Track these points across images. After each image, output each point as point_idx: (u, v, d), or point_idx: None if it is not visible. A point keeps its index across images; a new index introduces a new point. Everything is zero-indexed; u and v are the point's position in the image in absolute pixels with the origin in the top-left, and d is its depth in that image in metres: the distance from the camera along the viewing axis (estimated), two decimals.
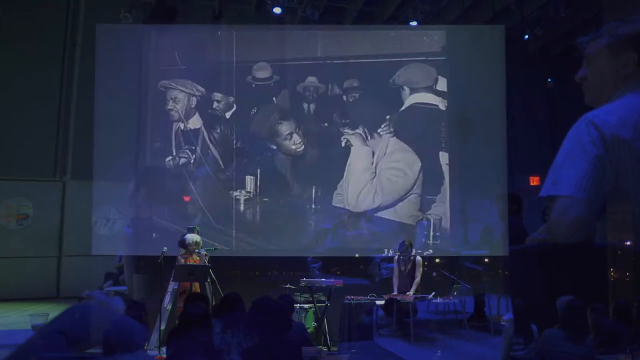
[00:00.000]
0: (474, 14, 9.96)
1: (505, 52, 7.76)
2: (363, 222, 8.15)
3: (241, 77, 8.35)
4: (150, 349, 5.12)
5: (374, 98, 8.41)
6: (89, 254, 8.22)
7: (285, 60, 8.38)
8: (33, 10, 9.87)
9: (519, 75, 10.76)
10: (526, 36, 9.91)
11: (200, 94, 8.35)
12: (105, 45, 7.85)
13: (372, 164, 8.21)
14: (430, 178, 8.25)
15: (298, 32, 8.91)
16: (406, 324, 6.29)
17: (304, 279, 6.17)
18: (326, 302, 5.98)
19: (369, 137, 8.27)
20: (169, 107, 8.35)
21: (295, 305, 5.24)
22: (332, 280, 6.27)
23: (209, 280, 5.75)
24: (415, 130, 8.41)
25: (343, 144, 8.27)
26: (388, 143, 8.26)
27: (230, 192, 8.15)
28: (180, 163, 8.24)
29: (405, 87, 8.39)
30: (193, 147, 8.26)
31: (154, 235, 7.86)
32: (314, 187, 8.16)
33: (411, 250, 6.77)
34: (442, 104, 8.35)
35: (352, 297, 6.23)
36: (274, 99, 8.38)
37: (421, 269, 6.73)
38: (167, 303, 5.66)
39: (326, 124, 8.33)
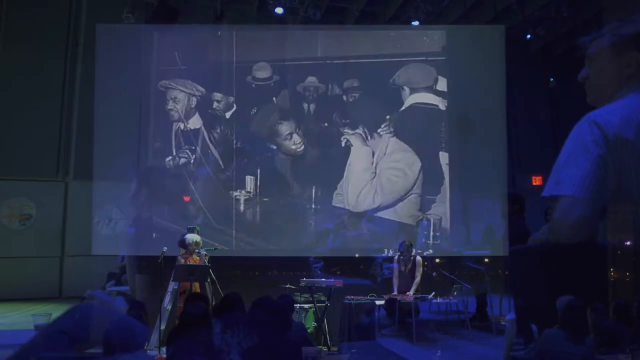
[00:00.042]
0: (476, 13, 9.96)
1: (507, 52, 7.76)
2: (363, 222, 8.14)
3: (241, 77, 8.35)
4: (150, 349, 5.11)
5: (374, 98, 8.40)
6: (91, 254, 8.24)
7: (285, 60, 8.37)
8: (35, 10, 9.89)
9: (521, 75, 10.75)
10: (528, 36, 9.90)
11: (200, 93, 8.35)
12: (105, 45, 7.86)
13: (372, 164, 8.21)
14: (430, 178, 8.24)
15: (298, 32, 8.89)
16: (408, 324, 6.29)
17: (304, 279, 6.17)
18: (326, 302, 5.98)
19: (369, 137, 8.26)
20: (169, 107, 8.35)
21: (295, 305, 5.22)
22: (332, 280, 6.27)
23: (209, 280, 5.75)
24: (415, 130, 8.40)
25: (343, 144, 8.27)
26: (388, 143, 8.25)
27: (230, 192, 8.15)
28: (180, 163, 8.24)
29: (405, 87, 8.39)
30: (193, 147, 8.26)
31: (154, 235, 7.87)
32: (314, 187, 8.16)
33: (411, 250, 6.77)
34: (442, 104, 8.33)
35: (352, 297, 6.22)
36: (274, 99, 8.38)
37: (421, 269, 6.74)
38: (167, 303, 5.65)
39: (326, 124, 8.33)
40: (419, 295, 6.48)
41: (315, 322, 5.92)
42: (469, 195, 8.43)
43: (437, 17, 9.49)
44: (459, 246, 8.41)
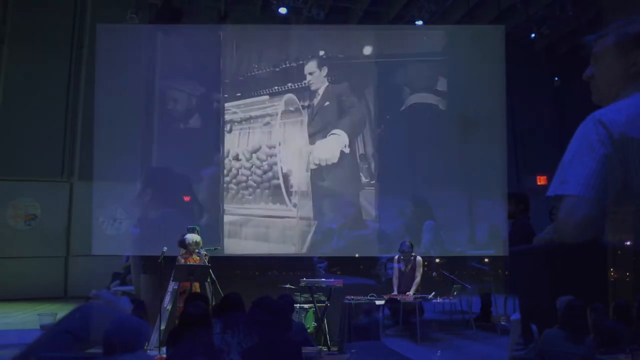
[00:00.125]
0: (479, 13, 9.94)
1: (512, 51, 7.74)
2: (368, 222, 8.13)
3: (242, 77, 8.35)
4: (150, 349, 5.11)
5: (375, 98, 8.39)
6: (95, 254, 8.28)
7: (287, 60, 8.36)
8: (40, 12, 9.95)
9: (526, 74, 10.72)
10: (532, 35, 9.87)
11: (200, 93, 8.35)
12: (105, 46, 7.89)
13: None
14: (432, 178, 8.22)
15: (298, 32, 8.85)
16: (412, 324, 6.28)
17: (304, 279, 6.17)
18: (326, 302, 5.99)
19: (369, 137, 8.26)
20: (171, 107, 8.37)
21: (295, 305, 5.24)
22: (332, 280, 6.28)
23: (209, 280, 5.76)
24: (416, 130, 8.39)
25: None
26: (389, 143, 8.24)
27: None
28: (184, 163, 8.27)
29: (405, 87, 8.38)
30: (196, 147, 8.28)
31: (159, 235, 7.88)
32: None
33: (412, 251, 6.77)
34: (442, 104, 8.32)
35: (352, 297, 6.22)
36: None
37: (421, 269, 6.74)
38: (167, 303, 5.66)
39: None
40: (419, 295, 6.47)
41: (315, 322, 5.92)
42: (473, 195, 8.42)
43: (440, 16, 9.48)
44: (465, 246, 8.40)
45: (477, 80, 8.03)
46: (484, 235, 8.35)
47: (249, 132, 8.25)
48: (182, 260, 5.83)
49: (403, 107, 8.33)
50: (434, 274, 7.82)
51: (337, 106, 8.24)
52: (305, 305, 6.02)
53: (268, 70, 8.26)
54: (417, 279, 6.67)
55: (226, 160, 8.20)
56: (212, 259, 6.13)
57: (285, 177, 8.10)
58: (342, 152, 8.14)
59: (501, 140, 7.79)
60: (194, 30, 8.46)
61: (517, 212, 5.61)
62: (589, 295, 3.67)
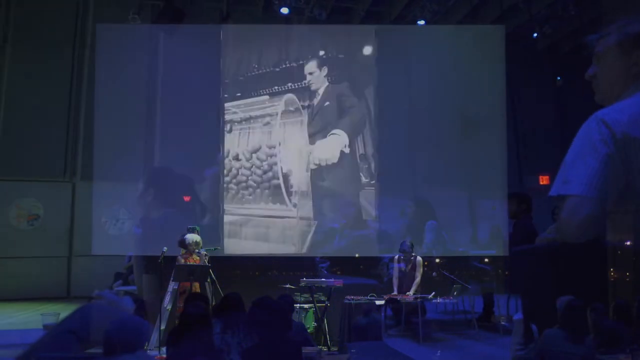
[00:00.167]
0: (482, 12, 9.93)
1: (514, 51, 7.75)
2: (369, 222, 8.13)
3: (242, 77, 8.35)
4: (150, 349, 5.10)
5: (375, 98, 8.38)
6: (97, 254, 8.30)
7: (287, 60, 8.36)
8: (42, 12, 9.97)
9: (528, 74, 10.70)
10: (535, 34, 9.85)
11: (200, 93, 8.34)
12: (106, 46, 7.91)
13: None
14: (433, 178, 8.22)
15: (298, 32, 8.84)
16: (414, 324, 6.28)
17: (304, 279, 6.17)
18: (326, 302, 5.99)
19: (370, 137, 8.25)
20: (172, 107, 8.38)
21: (295, 305, 5.24)
22: (332, 280, 6.28)
23: (209, 280, 5.76)
24: (416, 130, 8.38)
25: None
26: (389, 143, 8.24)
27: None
28: (185, 163, 8.27)
29: (405, 87, 8.40)
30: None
31: (161, 235, 7.89)
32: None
33: (412, 251, 6.77)
34: (442, 104, 8.32)
35: (352, 297, 6.21)
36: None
37: (421, 269, 6.74)
38: (167, 303, 5.66)
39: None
40: (419, 295, 6.47)
41: (315, 322, 5.92)
42: (474, 195, 8.41)
43: (442, 16, 9.47)
44: (467, 246, 8.40)
45: (477, 80, 8.03)
46: (485, 235, 8.35)
47: (249, 132, 8.25)
48: (182, 260, 5.83)
49: (404, 107, 8.30)
50: (434, 274, 7.81)
51: (337, 106, 8.24)
52: (305, 305, 6.02)
53: (268, 70, 8.26)
54: (417, 279, 6.67)
55: (226, 160, 8.20)
56: (212, 259, 6.13)
57: (285, 177, 8.10)
58: (342, 152, 8.13)
59: (501, 140, 7.79)
60: (195, 31, 8.46)
61: (519, 212, 5.61)
62: (592, 295, 3.67)
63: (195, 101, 8.11)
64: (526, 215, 5.59)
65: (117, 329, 2.40)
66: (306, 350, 3.32)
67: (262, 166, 8.15)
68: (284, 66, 8.28)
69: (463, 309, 6.98)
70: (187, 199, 8.16)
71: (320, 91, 8.23)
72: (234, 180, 8.17)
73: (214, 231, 7.93)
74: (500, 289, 7.30)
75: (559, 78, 10.86)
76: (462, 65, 8.21)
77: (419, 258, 6.79)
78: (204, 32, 8.46)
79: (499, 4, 9.46)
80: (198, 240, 5.99)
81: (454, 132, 8.19)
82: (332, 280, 6.27)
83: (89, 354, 2.79)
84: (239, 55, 8.39)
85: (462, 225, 8.51)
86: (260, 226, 8.08)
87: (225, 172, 8.19)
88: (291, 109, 8.24)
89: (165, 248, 5.79)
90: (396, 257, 6.88)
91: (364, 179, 8.11)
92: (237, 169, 8.18)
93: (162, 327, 5.33)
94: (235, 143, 8.26)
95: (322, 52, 8.31)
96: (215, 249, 6.54)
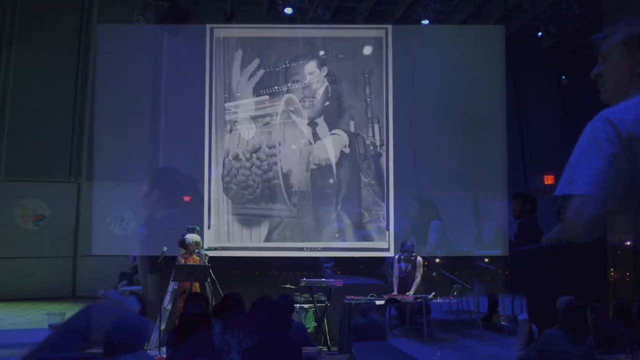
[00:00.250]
0: (486, 12, 9.91)
1: (519, 50, 7.73)
2: (372, 223, 8.12)
3: (243, 77, 8.35)
4: (150, 349, 5.12)
5: (375, 98, 8.37)
6: (98, 254, 8.33)
7: (287, 60, 8.35)
8: (47, 13, 10.02)
9: (533, 73, 10.67)
10: (539, 34, 9.82)
11: (201, 93, 8.35)
12: (106, 46, 7.93)
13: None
14: (439, 178, 8.20)
15: (298, 32, 8.81)
16: (419, 324, 6.27)
17: (304, 279, 6.17)
18: (326, 302, 5.98)
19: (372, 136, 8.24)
20: (173, 107, 8.39)
21: (295, 305, 5.25)
22: (332, 280, 6.28)
23: (209, 280, 5.77)
24: (421, 129, 8.37)
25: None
26: (392, 142, 8.23)
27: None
28: (186, 163, 8.29)
29: (409, 87, 8.38)
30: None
31: (166, 235, 7.91)
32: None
33: (413, 251, 6.76)
34: (446, 104, 8.29)
35: (352, 297, 6.20)
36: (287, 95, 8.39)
37: (421, 270, 6.73)
38: (167, 303, 5.68)
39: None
40: (419, 296, 6.46)
41: (315, 322, 5.92)
42: (479, 195, 8.39)
43: (446, 15, 9.45)
44: (470, 246, 8.38)
45: (480, 80, 8.02)
46: (490, 235, 8.33)
47: (249, 132, 8.26)
48: (182, 260, 5.84)
49: (405, 106, 8.29)
50: (434, 274, 7.81)
51: (337, 106, 8.24)
52: (305, 305, 6.03)
53: (268, 70, 8.27)
54: (417, 279, 6.67)
55: (226, 160, 8.21)
56: (212, 259, 6.14)
57: (285, 177, 8.09)
58: (342, 152, 8.13)
59: (501, 140, 7.78)
60: (195, 31, 8.48)
61: (524, 211, 5.59)
62: (598, 294, 3.65)
63: (196, 101, 8.13)
64: (531, 215, 5.58)
65: (117, 329, 2.40)
66: (306, 350, 3.32)
67: (262, 166, 8.15)
68: (284, 66, 8.28)
69: (468, 308, 6.97)
70: (187, 199, 8.18)
71: (320, 91, 8.23)
72: (234, 180, 8.17)
73: (214, 231, 7.95)
74: (504, 289, 7.29)
75: (563, 77, 10.82)
76: (465, 65, 8.20)
77: (419, 258, 6.79)
78: (204, 32, 8.46)
79: (503, 3, 9.43)
80: (198, 240, 6.01)
81: (458, 132, 8.18)
82: (332, 280, 6.27)
83: (89, 354, 2.79)
84: (239, 55, 8.38)
85: (466, 225, 8.50)
86: (260, 226, 8.09)
87: (225, 172, 8.20)
88: (291, 109, 8.24)
89: (165, 248, 5.81)
90: (396, 257, 6.88)
91: (364, 179, 8.11)
92: (237, 169, 8.17)
93: (162, 327, 5.35)
94: (235, 143, 8.26)
95: (322, 52, 8.30)
96: (215, 249, 6.55)
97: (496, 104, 7.81)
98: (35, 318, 7.36)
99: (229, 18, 8.95)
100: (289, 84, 8.25)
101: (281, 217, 8.02)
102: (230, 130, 8.28)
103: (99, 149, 8.22)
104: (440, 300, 6.52)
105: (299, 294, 6.21)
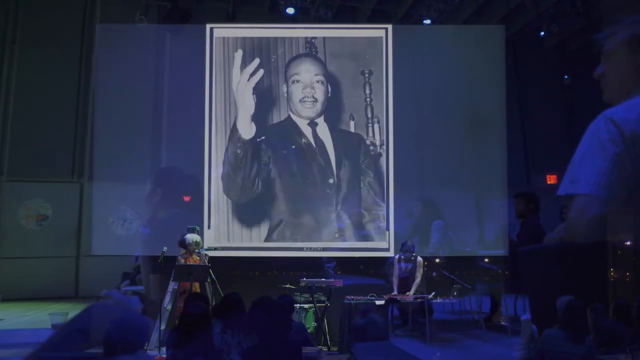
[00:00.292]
0: (488, 11, 9.89)
1: (521, 50, 7.72)
2: (374, 223, 8.12)
3: (243, 77, 8.35)
4: (150, 349, 5.12)
5: (375, 98, 8.36)
6: (100, 254, 8.34)
7: (287, 59, 8.34)
8: (50, 14, 10.04)
9: (535, 72, 10.65)
10: (542, 33, 9.79)
11: (201, 94, 8.36)
12: (106, 46, 7.93)
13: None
14: (442, 178, 8.19)
15: (299, 31, 8.80)
16: (421, 324, 6.26)
17: (304, 279, 6.17)
18: (326, 302, 5.98)
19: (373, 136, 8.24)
20: (174, 107, 8.40)
21: (295, 305, 5.24)
22: (332, 280, 6.27)
23: (209, 280, 5.77)
24: (424, 129, 8.36)
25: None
26: (392, 142, 8.23)
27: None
28: (187, 163, 8.30)
29: (411, 87, 8.38)
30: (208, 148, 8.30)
31: (169, 235, 7.92)
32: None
33: (414, 251, 6.76)
34: (449, 104, 8.28)
35: (352, 297, 6.20)
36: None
37: (422, 270, 6.73)
38: (167, 303, 5.68)
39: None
40: (419, 296, 6.45)
41: (315, 322, 5.91)
42: (481, 195, 8.38)
43: (449, 15, 9.44)
44: (473, 246, 8.37)
45: (481, 80, 8.01)
46: (493, 235, 8.32)
47: (249, 132, 8.26)
48: (182, 260, 5.84)
49: (407, 106, 8.27)
50: (434, 274, 7.80)
51: (337, 106, 8.24)
52: (305, 305, 6.02)
53: (268, 69, 8.27)
54: (417, 279, 6.67)
55: (226, 160, 8.22)
56: (212, 259, 6.15)
57: (285, 177, 8.10)
58: (342, 152, 8.13)
59: (502, 140, 7.78)
60: (196, 31, 8.49)
61: (526, 211, 5.57)
62: (599, 294, 3.64)
63: (197, 101, 8.14)
64: (534, 215, 5.56)
65: (117, 329, 2.40)
66: (306, 350, 3.32)
67: (262, 166, 8.17)
68: (284, 66, 8.29)
69: (470, 309, 6.95)
70: (187, 199, 8.19)
71: (321, 91, 8.24)
72: (234, 180, 8.19)
73: (214, 231, 7.95)
74: (508, 289, 7.28)
75: (566, 77, 10.80)
76: (467, 65, 8.20)
77: (419, 258, 6.79)
78: (203, 32, 8.46)
79: (506, 3, 9.42)
80: (198, 240, 6.01)
81: (459, 132, 8.17)
82: (332, 280, 6.27)
83: (89, 354, 2.79)
84: (239, 54, 8.38)
85: (468, 225, 8.49)
86: (260, 226, 8.09)
87: (225, 172, 8.20)
88: (291, 109, 8.26)
89: (165, 248, 5.80)
90: (397, 257, 6.87)
91: (364, 179, 8.10)
92: (237, 169, 8.18)
93: (162, 327, 5.35)
94: (235, 143, 8.28)
95: (322, 52, 8.30)
96: (215, 249, 6.55)
97: (497, 103, 7.81)
98: (38, 318, 7.38)
99: (231, 18, 8.96)
100: (289, 84, 8.26)
101: (281, 217, 8.02)
102: (231, 130, 8.29)
103: (101, 149, 8.24)
104: (440, 300, 6.52)
105: (299, 294, 6.21)
